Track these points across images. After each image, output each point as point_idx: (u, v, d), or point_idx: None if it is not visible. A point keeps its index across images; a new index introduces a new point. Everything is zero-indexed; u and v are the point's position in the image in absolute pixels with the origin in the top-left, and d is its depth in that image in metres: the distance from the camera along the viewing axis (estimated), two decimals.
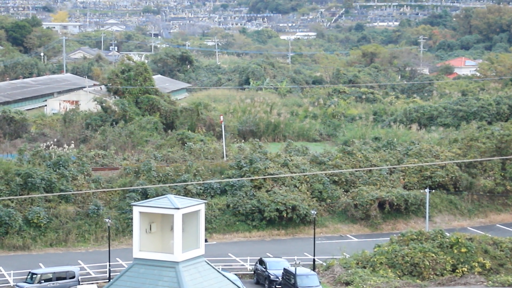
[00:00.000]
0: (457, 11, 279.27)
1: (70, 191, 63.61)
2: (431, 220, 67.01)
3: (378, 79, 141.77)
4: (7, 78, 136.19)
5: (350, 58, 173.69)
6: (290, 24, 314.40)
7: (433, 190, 68.06)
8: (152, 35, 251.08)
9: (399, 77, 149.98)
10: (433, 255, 53.37)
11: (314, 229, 58.31)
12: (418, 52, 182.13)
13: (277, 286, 52.70)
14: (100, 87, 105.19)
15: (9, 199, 61.62)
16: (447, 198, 70.38)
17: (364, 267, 53.92)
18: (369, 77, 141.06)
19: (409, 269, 53.26)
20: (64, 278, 51.86)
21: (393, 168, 70.75)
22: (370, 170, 70.10)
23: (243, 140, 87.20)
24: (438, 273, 53.06)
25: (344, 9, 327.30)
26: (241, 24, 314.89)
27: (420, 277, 52.82)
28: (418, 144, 76.24)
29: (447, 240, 54.61)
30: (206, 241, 29.80)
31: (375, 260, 53.78)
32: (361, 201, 66.98)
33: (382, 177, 69.88)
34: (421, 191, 67.36)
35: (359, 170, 69.89)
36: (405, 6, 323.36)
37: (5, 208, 60.81)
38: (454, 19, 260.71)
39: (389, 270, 53.07)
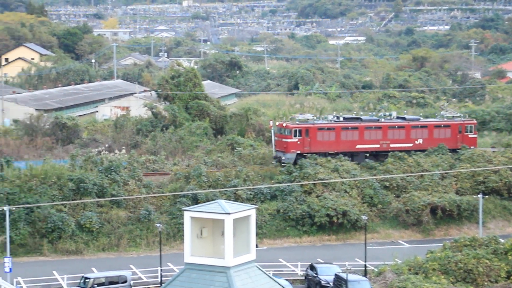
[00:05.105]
0: (509, 14, 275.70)
1: (122, 196, 64.10)
2: (485, 226, 66.10)
3: (429, 83, 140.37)
4: (59, 85, 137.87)
5: (400, 62, 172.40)
6: (339, 29, 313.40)
7: (487, 196, 67.13)
8: (201, 41, 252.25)
9: (451, 81, 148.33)
10: (487, 261, 52.57)
11: (365, 234, 57.90)
12: (470, 56, 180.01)
13: None
14: (150, 93, 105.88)
15: (62, 204, 62.32)
16: (501, 204, 69.35)
17: (417, 273, 53.31)
18: (420, 82, 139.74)
19: (462, 276, 52.52)
20: (116, 283, 52.21)
21: (445, 173, 69.98)
22: (421, 175, 69.43)
23: None
24: (492, 280, 52.24)
25: (393, 13, 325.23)
26: (290, 29, 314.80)
27: (473, 284, 52.06)
28: (470, 149, 75.31)
29: (501, 246, 53.76)
30: (256, 246, 29.73)
31: (428, 266, 53.17)
32: (413, 206, 66.37)
33: (434, 182, 69.17)
34: (474, 196, 66.52)
35: (410, 175, 69.27)
36: (456, 9, 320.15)
37: (58, 213, 61.51)
38: (506, 22, 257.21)
39: (442, 277, 52.40)
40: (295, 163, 69.37)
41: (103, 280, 52.05)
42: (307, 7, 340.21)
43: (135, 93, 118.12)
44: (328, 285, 52.44)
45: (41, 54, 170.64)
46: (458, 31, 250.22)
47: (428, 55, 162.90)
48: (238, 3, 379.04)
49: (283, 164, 69.20)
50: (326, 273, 53.45)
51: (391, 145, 71.63)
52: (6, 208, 54.27)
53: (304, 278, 55.54)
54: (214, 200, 28.76)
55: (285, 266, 58.03)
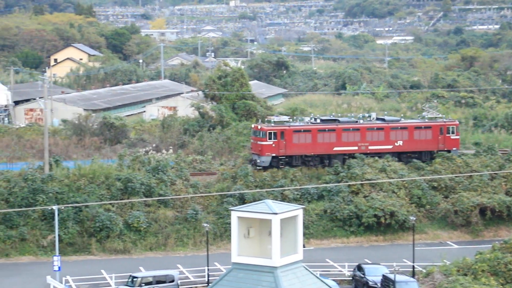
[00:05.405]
0: None
1: (169, 196, 64.41)
2: None
3: (478, 83, 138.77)
4: (107, 85, 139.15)
5: (448, 62, 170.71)
6: (386, 29, 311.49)
7: None
8: (248, 41, 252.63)
9: (500, 81, 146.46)
10: None
11: (413, 235, 57.39)
12: None
13: None
14: (197, 93, 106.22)
15: (110, 204, 62.84)
16: None
17: (465, 275, 52.69)
18: (469, 82, 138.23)
19: None
20: (164, 282, 52.49)
21: (495, 173, 69.08)
22: (470, 176, 68.64)
23: None
24: None
25: (442, 13, 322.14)
26: (337, 29, 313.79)
27: None
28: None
29: None
30: (303, 246, 29.59)
31: (477, 267, 52.51)
32: (462, 207, 65.65)
33: (483, 183, 68.34)
34: None
35: (459, 176, 68.51)
36: (505, 8, 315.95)
37: (106, 212, 62.05)
38: None
39: (491, 278, 51.70)
40: (270, 166, 68.33)
41: (150, 279, 52.37)
42: (355, 6, 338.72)
43: (182, 93, 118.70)
44: (376, 285, 52.12)
45: (89, 55, 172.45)
46: (508, 30, 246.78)
47: (477, 54, 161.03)
48: (285, 3, 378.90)
49: (258, 168, 68.28)
50: (374, 274, 53.14)
51: (370, 147, 69.88)
52: (55, 207, 54.90)
53: (351, 278, 55.28)
54: (261, 200, 28.69)
55: (332, 267, 57.80)
